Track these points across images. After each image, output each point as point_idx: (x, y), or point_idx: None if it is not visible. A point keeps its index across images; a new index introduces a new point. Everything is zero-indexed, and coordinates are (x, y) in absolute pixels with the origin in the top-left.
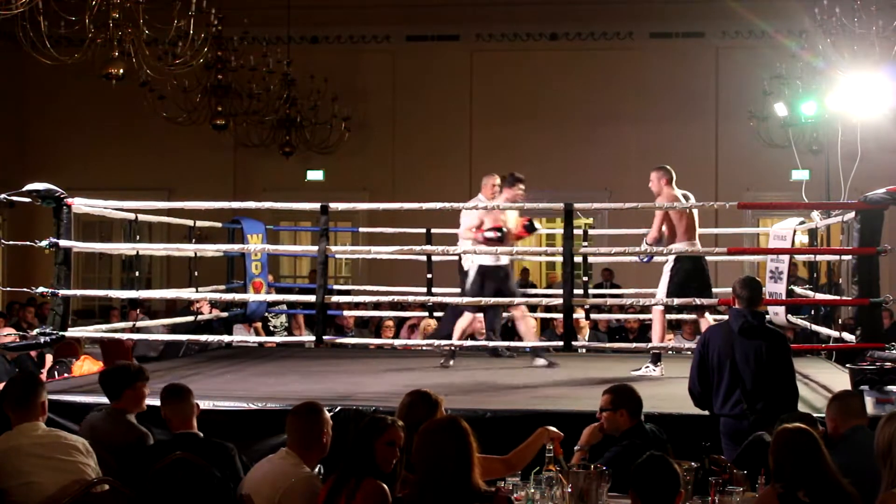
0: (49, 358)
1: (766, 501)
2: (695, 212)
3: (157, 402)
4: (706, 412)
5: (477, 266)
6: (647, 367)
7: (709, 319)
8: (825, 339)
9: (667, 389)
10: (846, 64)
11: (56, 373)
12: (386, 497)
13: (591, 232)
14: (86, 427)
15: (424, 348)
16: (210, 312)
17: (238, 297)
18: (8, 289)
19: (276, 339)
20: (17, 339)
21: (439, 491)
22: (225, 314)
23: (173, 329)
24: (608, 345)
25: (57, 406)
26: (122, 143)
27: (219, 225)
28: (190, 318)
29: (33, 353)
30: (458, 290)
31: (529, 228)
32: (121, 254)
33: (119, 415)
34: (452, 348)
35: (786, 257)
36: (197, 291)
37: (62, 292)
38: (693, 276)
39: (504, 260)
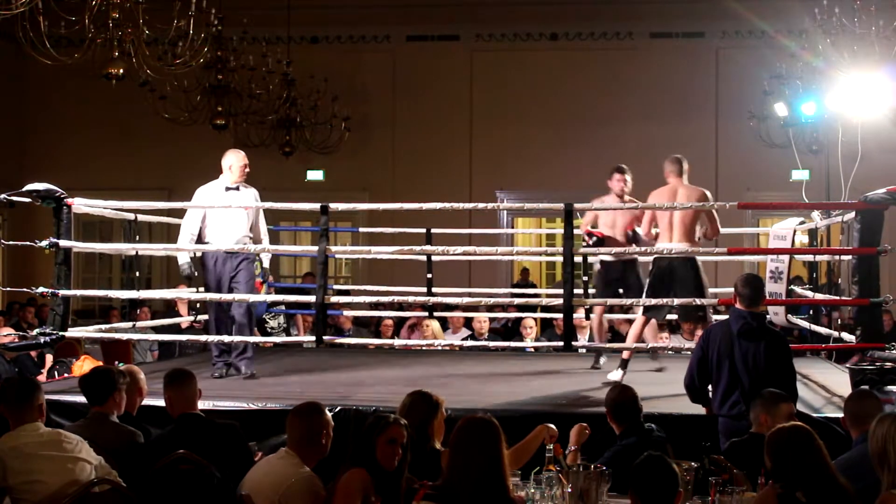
0: (49, 358)
1: (766, 501)
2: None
3: (154, 402)
4: (705, 412)
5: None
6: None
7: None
8: (825, 339)
9: (667, 389)
10: (846, 64)
11: (56, 373)
12: (360, 483)
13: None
14: None
15: (424, 348)
16: (189, 314)
17: (237, 297)
18: (8, 289)
19: (275, 339)
20: (17, 339)
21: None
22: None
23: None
24: (608, 345)
25: (57, 406)
26: (123, 143)
27: None
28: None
29: (33, 353)
30: (458, 290)
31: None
32: (121, 254)
33: (103, 418)
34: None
35: (786, 257)
36: (197, 291)
37: (62, 292)
38: (663, 276)
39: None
